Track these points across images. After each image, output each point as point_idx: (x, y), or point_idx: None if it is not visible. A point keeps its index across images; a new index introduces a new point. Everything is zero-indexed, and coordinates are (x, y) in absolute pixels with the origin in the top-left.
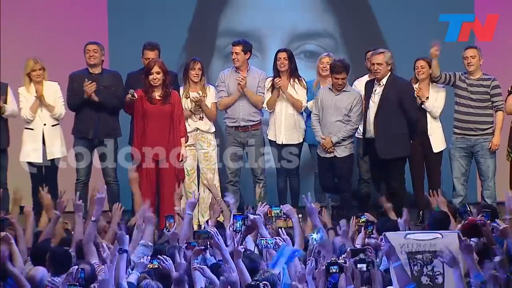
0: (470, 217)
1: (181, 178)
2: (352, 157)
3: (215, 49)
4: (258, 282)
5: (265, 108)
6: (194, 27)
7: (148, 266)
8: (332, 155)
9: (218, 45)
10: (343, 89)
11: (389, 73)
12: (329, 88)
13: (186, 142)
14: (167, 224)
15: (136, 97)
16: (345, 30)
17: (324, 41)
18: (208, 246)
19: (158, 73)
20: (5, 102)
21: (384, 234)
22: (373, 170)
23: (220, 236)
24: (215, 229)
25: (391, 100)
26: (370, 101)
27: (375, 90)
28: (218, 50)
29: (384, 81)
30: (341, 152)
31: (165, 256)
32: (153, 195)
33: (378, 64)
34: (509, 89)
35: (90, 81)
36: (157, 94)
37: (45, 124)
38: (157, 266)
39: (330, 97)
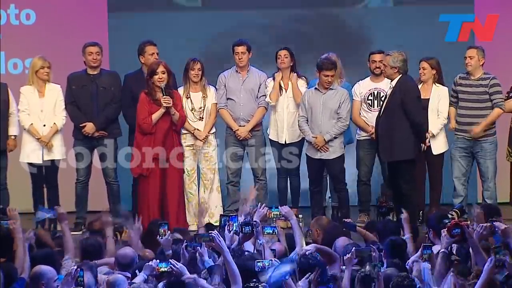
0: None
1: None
2: (343, 157)
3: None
4: (257, 284)
5: (269, 102)
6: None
7: (157, 268)
8: (323, 156)
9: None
10: (330, 87)
11: (399, 75)
12: (315, 88)
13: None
14: (162, 231)
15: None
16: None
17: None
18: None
19: (163, 73)
20: (7, 103)
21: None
22: (387, 171)
23: (221, 239)
24: (216, 231)
25: (396, 102)
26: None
27: (387, 93)
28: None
29: (393, 83)
30: (332, 154)
31: (176, 261)
32: (159, 195)
33: (384, 65)
34: (508, 91)
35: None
36: (160, 95)
37: (44, 125)
38: (167, 269)
39: (318, 97)
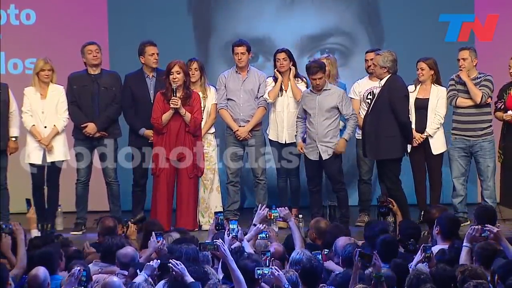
0: None
1: (200, 175)
2: (341, 157)
3: (217, 50)
4: None
5: (267, 98)
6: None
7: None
8: (320, 157)
9: (221, 47)
10: (324, 89)
11: (389, 75)
12: (310, 90)
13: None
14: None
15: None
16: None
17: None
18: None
19: (178, 73)
20: (7, 103)
21: None
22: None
23: (226, 247)
24: (221, 240)
25: (384, 101)
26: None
27: (376, 91)
28: (220, 52)
29: (382, 82)
30: (329, 154)
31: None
32: (171, 194)
33: (374, 64)
34: (496, 101)
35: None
36: (177, 95)
37: (45, 127)
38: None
39: (313, 98)
